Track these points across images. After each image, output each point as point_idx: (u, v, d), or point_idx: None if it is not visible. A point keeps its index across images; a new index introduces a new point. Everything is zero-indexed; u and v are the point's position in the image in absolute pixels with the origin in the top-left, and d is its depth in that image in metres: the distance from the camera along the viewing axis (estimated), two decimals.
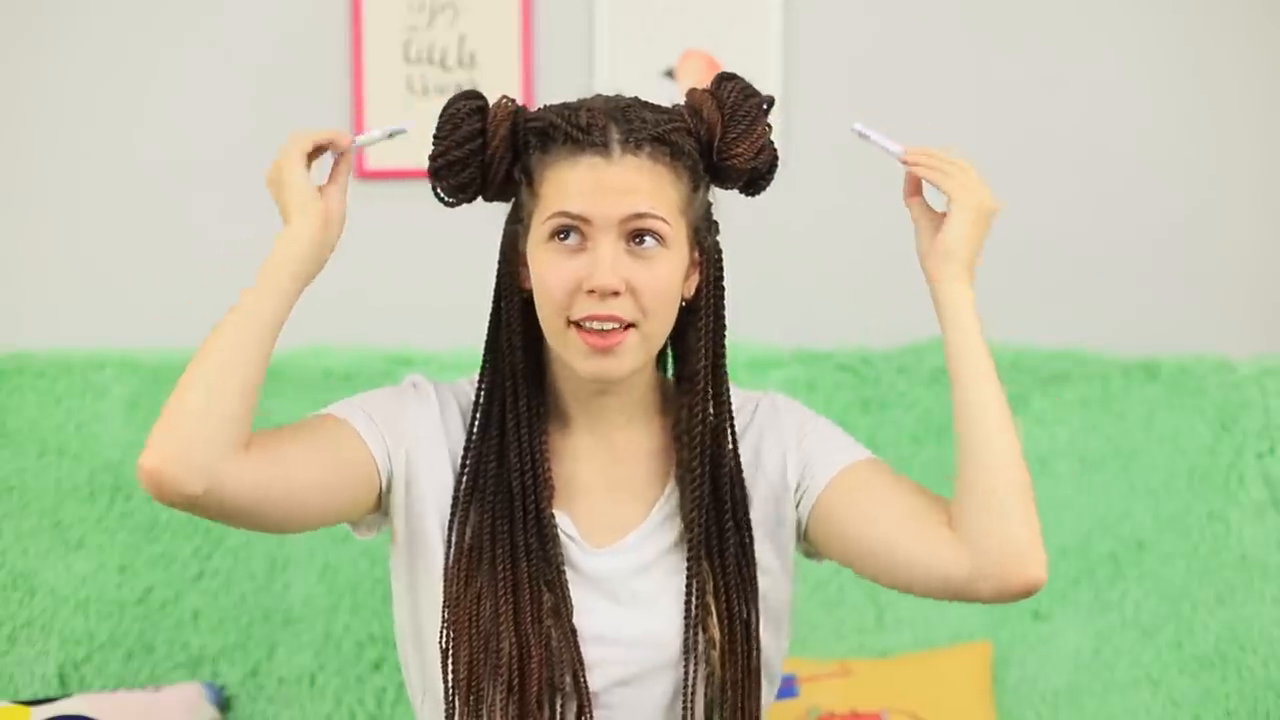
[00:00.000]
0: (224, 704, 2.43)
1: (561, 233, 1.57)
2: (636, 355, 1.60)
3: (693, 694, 1.63)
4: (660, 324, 1.61)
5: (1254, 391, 2.54)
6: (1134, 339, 2.65)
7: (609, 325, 1.57)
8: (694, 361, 1.65)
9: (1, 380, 2.54)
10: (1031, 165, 2.71)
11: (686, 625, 1.63)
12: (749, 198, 1.69)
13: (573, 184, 1.57)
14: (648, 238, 1.57)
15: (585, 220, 1.56)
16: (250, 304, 1.60)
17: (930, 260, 1.67)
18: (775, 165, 1.66)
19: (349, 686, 2.46)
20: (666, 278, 1.59)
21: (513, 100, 1.63)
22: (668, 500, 1.68)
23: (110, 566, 2.48)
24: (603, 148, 1.57)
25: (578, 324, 1.58)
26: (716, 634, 1.64)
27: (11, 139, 2.70)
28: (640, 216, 1.57)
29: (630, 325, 1.58)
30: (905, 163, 1.67)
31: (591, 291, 1.56)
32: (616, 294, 1.56)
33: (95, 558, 2.48)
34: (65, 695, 2.37)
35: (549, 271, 1.58)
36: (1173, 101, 2.71)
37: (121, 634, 2.46)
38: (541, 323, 1.62)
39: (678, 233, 1.59)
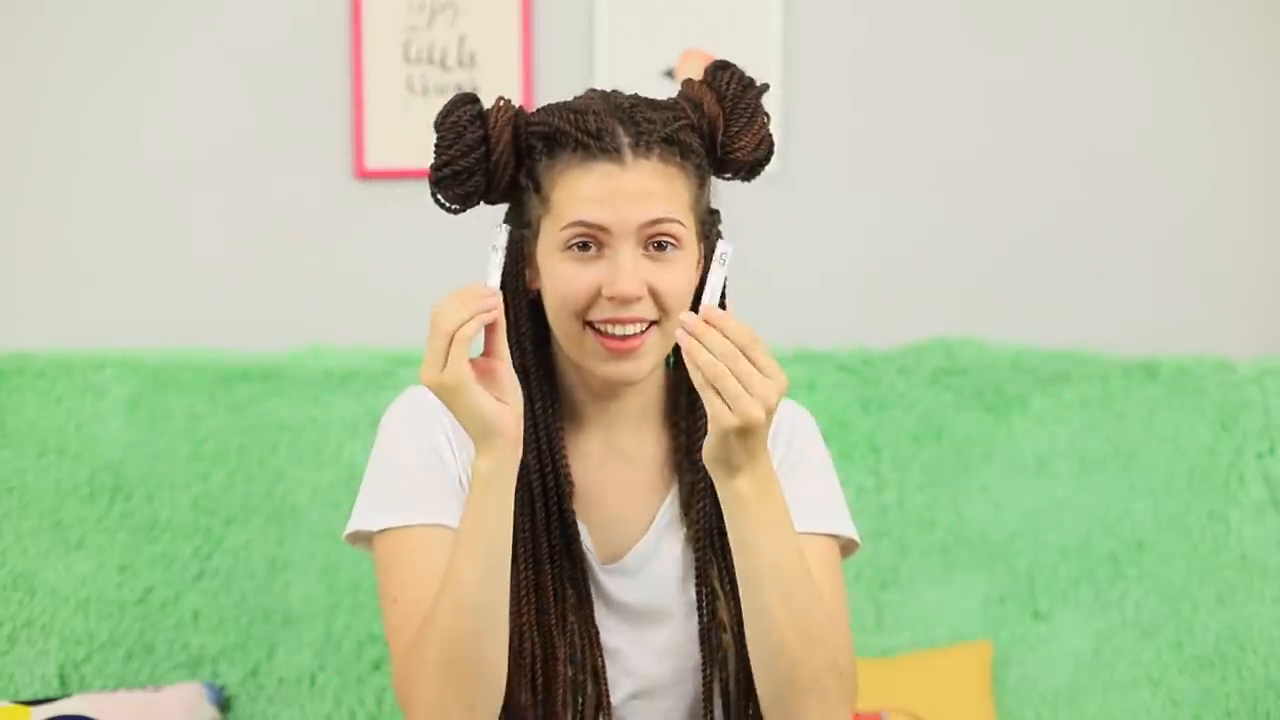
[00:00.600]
0: (224, 704, 2.43)
1: (579, 242, 1.57)
2: (656, 354, 1.60)
3: (713, 700, 1.63)
4: (678, 321, 1.60)
5: (1254, 391, 2.54)
6: (1134, 339, 2.65)
7: (631, 329, 1.57)
8: None
9: (1, 380, 2.54)
10: (1031, 165, 2.71)
11: (701, 633, 1.63)
12: (745, 183, 1.68)
13: (587, 192, 1.55)
14: (665, 241, 1.57)
15: (604, 230, 1.55)
16: (496, 558, 1.52)
17: (704, 457, 1.50)
18: (772, 152, 1.65)
19: (349, 686, 2.46)
20: (684, 278, 1.59)
21: (509, 101, 1.61)
22: (672, 504, 1.68)
23: (110, 566, 2.48)
24: (615, 153, 1.55)
25: (594, 327, 1.57)
26: (726, 616, 1.64)
27: (11, 139, 2.70)
28: (658, 222, 1.56)
29: (652, 324, 1.58)
30: (684, 327, 1.46)
31: (613, 297, 1.56)
32: (638, 298, 1.56)
33: (95, 558, 2.48)
34: (65, 695, 2.37)
35: (567, 279, 1.57)
36: (1173, 102, 2.71)
37: (121, 634, 2.46)
38: (555, 326, 1.61)
39: (690, 231, 1.59)
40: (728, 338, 1.45)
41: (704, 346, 1.45)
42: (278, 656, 2.47)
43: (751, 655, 1.55)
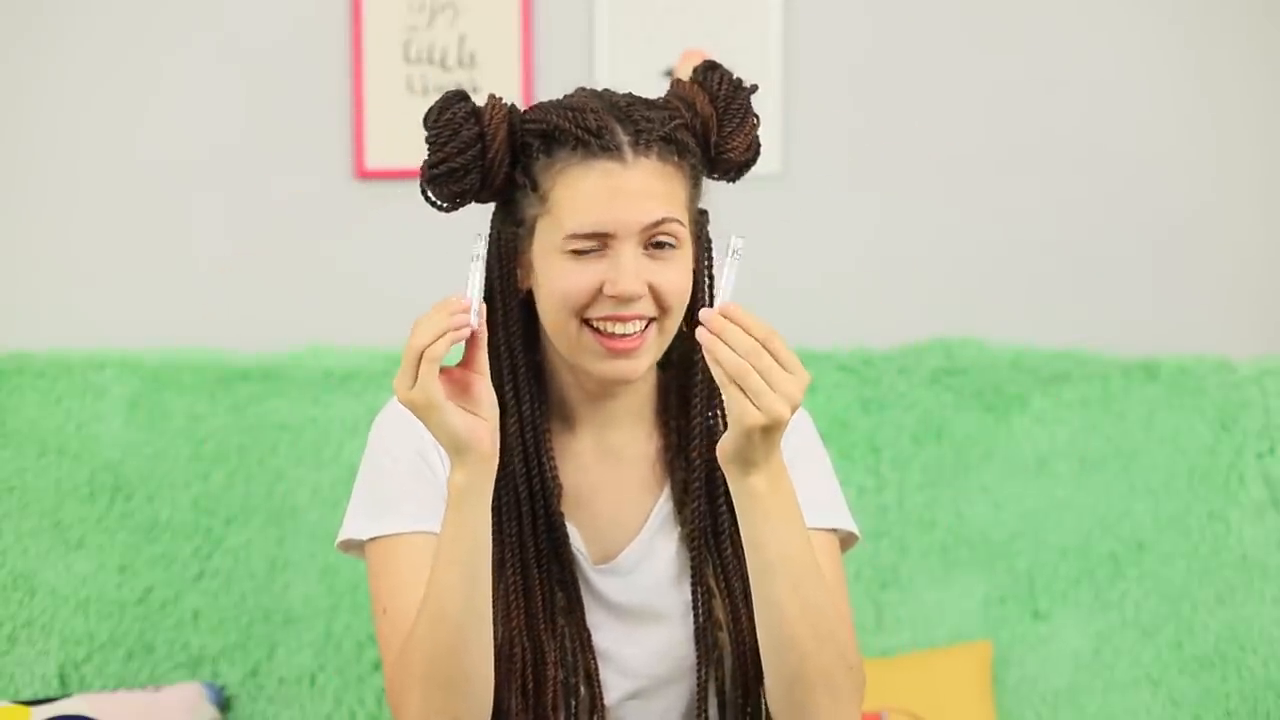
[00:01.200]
0: (224, 704, 2.43)
1: (583, 244, 1.56)
2: (654, 352, 1.60)
3: (708, 699, 1.63)
4: (676, 319, 1.60)
5: (1254, 391, 2.54)
6: (1134, 339, 2.65)
7: (632, 328, 1.56)
8: (687, 348, 1.64)
9: (1, 380, 2.54)
10: (1032, 165, 2.71)
11: (697, 634, 1.63)
12: (730, 184, 1.67)
13: (590, 193, 1.54)
14: (664, 241, 1.57)
15: (609, 234, 1.54)
16: (475, 571, 1.50)
17: (719, 454, 1.49)
18: (759, 154, 1.65)
19: (349, 686, 2.46)
20: (684, 276, 1.59)
21: (501, 98, 1.60)
22: (666, 503, 1.68)
23: (110, 566, 2.48)
24: (616, 152, 1.54)
25: (592, 325, 1.57)
26: (721, 614, 1.63)
27: (12, 139, 2.70)
28: (660, 223, 1.55)
29: (650, 321, 1.58)
30: (704, 324, 1.44)
31: (615, 296, 1.55)
32: (641, 297, 1.56)
33: (95, 558, 2.48)
34: (65, 695, 2.37)
35: (567, 278, 1.55)
36: (1173, 102, 2.71)
37: (121, 634, 2.46)
38: (550, 325, 1.60)
39: (687, 230, 1.59)
40: (749, 333, 1.43)
41: (725, 343, 1.43)
42: (278, 656, 2.47)
43: (763, 651, 1.55)
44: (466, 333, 1.46)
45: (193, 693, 2.38)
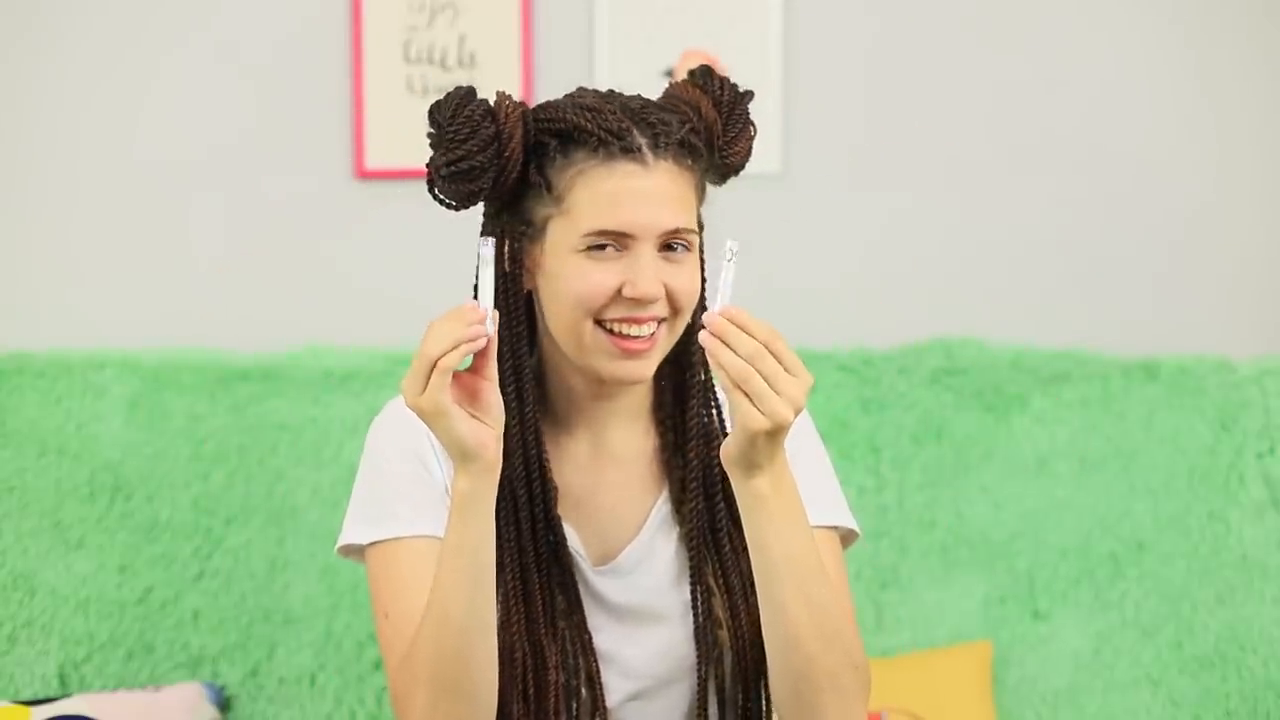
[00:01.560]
0: (224, 704, 2.43)
1: (601, 245, 1.55)
2: (662, 353, 1.60)
3: (708, 698, 1.63)
4: (685, 320, 1.60)
5: (1254, 391, 2.54)
6: (1134, 339, 2.65)
7: (646, 330, 1.56)
8: (683, 347, 1.64)
9: (1, 380, 2.54)
10: (1032, 166, 2.71)
11: (697, 633, 1.63)
12: (722, 184, 1.68)
13: (611, 194, 1.53)
14: (677, 243, 1.57)
15: (630, 236, 1.54)
16: (479, 577, 1.50)
17: (723, 457, 1.50)
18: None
19: (349, 686, 2.46)
20: (695, 278, 1.59)
21: (511, 96, 1.59)
22: (664, 503, 1.68)
23: (110, 566, 2.48)
24: (637, 154, 1.53)
25: (604, 326, 1.56)
26: (722, 613, 1.63)
27: (11, 139, 2.69)
28: (678, 230, 1.55)
29: (661, 322, 1.58)
30: (707, 327, 1.44)
31: (636, 298, 1.54)
32: (660, 299, 1.56)
33: (95, 558, 2.48)
34: (65, 695, 2.37)
35: (586, 278, 1.54)
36: (1173, 102, 2.71)
37: (121, 634, 2.46)
38: (559, 326, 1.59)
39: (697, 233, 1.59)
40: (752, 336, 1.43)
41: (728, 347, 1.43)
42: (278, 656, 2.47)
43: (769, 652, 1.55)
44: (482, 344, 1.45)
45: (193, 693, 2.38)
